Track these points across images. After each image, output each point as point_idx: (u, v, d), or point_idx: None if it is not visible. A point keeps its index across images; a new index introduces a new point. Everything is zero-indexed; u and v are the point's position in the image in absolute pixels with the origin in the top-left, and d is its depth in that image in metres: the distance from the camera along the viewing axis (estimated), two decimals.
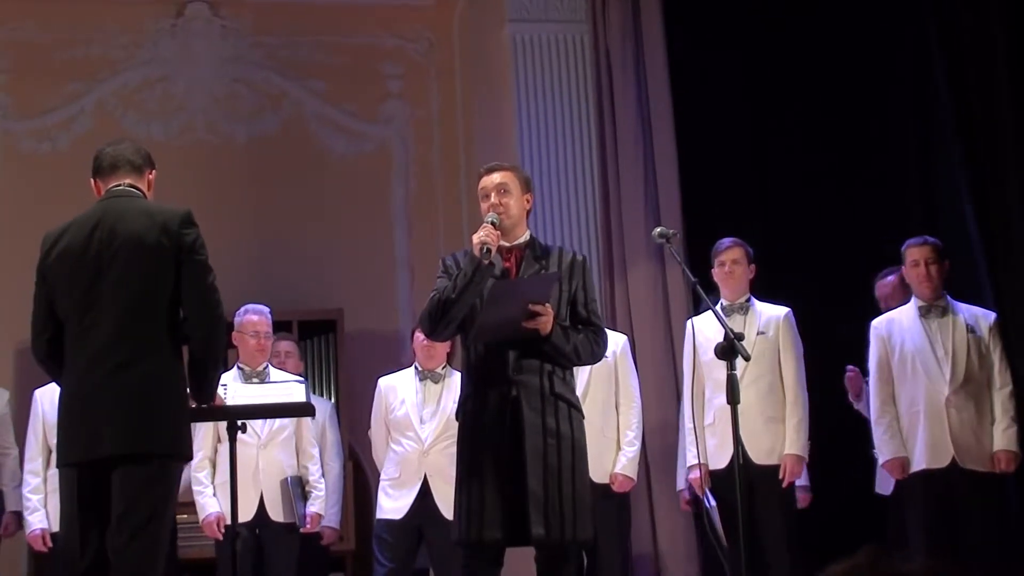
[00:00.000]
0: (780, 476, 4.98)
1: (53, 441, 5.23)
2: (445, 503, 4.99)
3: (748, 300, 5.19)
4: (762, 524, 4.93)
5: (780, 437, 5.03)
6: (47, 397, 5.33)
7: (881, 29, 6.28)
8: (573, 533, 3.68)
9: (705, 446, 5.04)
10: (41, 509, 5.40)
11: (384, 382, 5.39)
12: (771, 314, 5.15)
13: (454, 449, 4.81)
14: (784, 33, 6.37)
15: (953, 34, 5.65)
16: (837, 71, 6.34)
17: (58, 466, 3.53)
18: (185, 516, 5.56)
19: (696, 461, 4.95)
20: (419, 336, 5.21)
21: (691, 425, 5.04)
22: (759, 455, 4.99)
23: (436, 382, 5.27)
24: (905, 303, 5.17)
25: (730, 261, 5.17)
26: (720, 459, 4.94)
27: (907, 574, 1.74)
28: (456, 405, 4.99)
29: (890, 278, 5.48)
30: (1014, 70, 5.35)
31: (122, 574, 3.35)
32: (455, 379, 5.21)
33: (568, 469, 3.70)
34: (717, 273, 5.21)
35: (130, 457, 3.36)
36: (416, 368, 5.32)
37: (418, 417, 5.21)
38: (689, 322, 5.10)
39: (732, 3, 6.43)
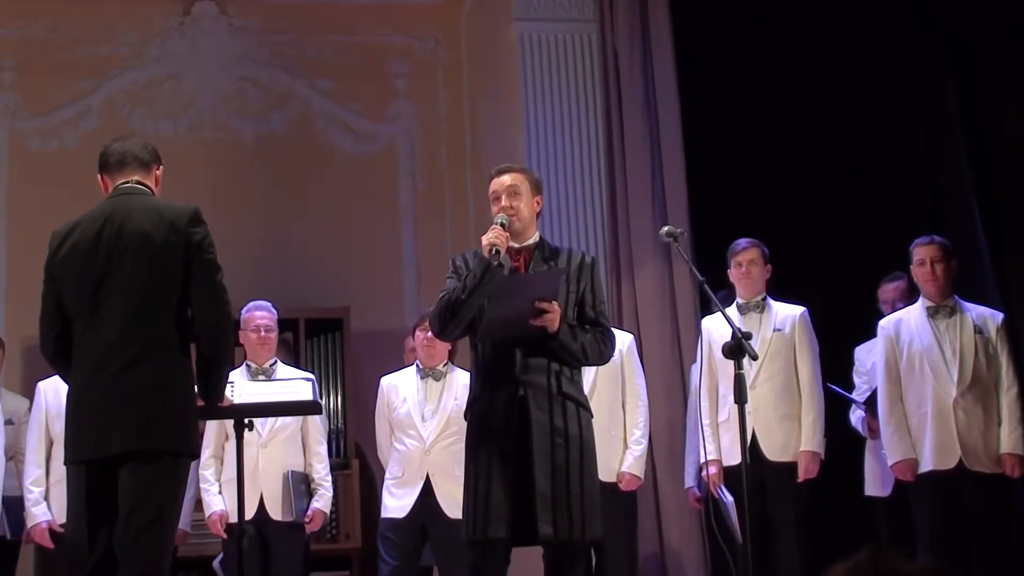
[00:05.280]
0: (796, 473, 4.99)
1: (56, 431, 5.24)
2: (447, 501, 5.00)
3: (764, 299, 5.22)
4: (773, 521, 4.95)
5: (794, 434, 5.05)
6: (51, 388, 5.29)
7: (888, 26, 6.27)
8: (582, 532, 3.68)
9: (719, 443, 5.05)
10: (43, 501, 5.31)
11: (386, 381, 5.39)
12: (787, 313, 5.18)
13: (456, 447, 4.83)
14: (791, 33, 6.37)
15: (959, 32, 5.63)
16: (844, 70, 6.33)
17: (66, 463, 3.53)
18: (196, 514, 5.57)
19: (711, 457, 4.96)
20: (419, 334, 5.22)
21: (707, 421, 5.05)
22: (773, 452, 5.01)
23: (437, 380, 5.27)
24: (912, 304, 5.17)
25: (747, 262, 5.19)
26: (734, 456, 4.94)
27: (909, 574, 1.74)
28: (457, 403, 5.05)
29: (896, 283, 5.47)
30: (1021, 64, 5.33)
31: (130, 571, 3.35)
32: (456, 376, 5.22)
33: (576, 468, 3.70)
34: (734, 273, 5.23)
35: (139, 454, 3.37)
36: (417, 366, 5.33)
37: (419, 415, 5.21)
38: (703, 321, 5.11)
39: (739, 2, 6.43)
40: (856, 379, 5.53)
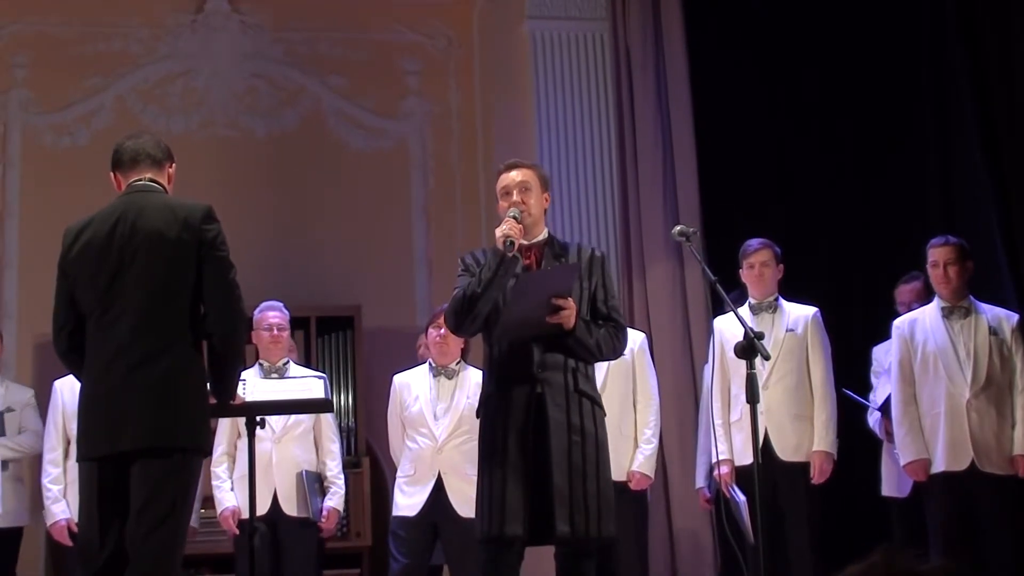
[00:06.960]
0: (809, 473, 4.98)
1: (72, 429, 5.25)
2: (459, 499, 5.00)
3: (776, 300, 5.20)
4: (785, 521, 4.94)
5: (807, 434, 5.04)
6: (67, 386, 5.30)
7: (899, 23, 6.26)
8: (597, 530, 3.69)
9: (731, 443, 5.05)
10: (62, 499, 5.37)
11: (399, 379, 5.39)
12: (799, 313, 5.17)
13: (468, 446, 4.82)
14: (804, 31, 6.36)
15: (973, 28, 5.61)
16: (856, 68, 6.32)
17: (78, 460, 3.54)
18: (203, 511, 5.58)
19: (723, 457, 4.96)
20: (432, 332, 5.21)
21: (719, 421, 5.04)
22: (785, 452, 5.01)
23: (450, 378, 5.26)
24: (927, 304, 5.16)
25: (759, 263, 5.18)
26: (746, 456, 4.94)
27: (922, 574, 1.73)
28: (470, 401, 5.04)
29: (913, 284, 5.45)
30: None
31: (141, 568, 3.35)
32: (469, 375, 5.22)
33: (592, 466, 3.71)
34: (746, 274, 5.21)
35: (150, 451, 3.37)
36: (430, 364, 5.32)
37: (432, 413, 5.21)
38: (715, 321, 5.11)
39: (752, 0, 6.42)
40: (873, 380, 5.51)
